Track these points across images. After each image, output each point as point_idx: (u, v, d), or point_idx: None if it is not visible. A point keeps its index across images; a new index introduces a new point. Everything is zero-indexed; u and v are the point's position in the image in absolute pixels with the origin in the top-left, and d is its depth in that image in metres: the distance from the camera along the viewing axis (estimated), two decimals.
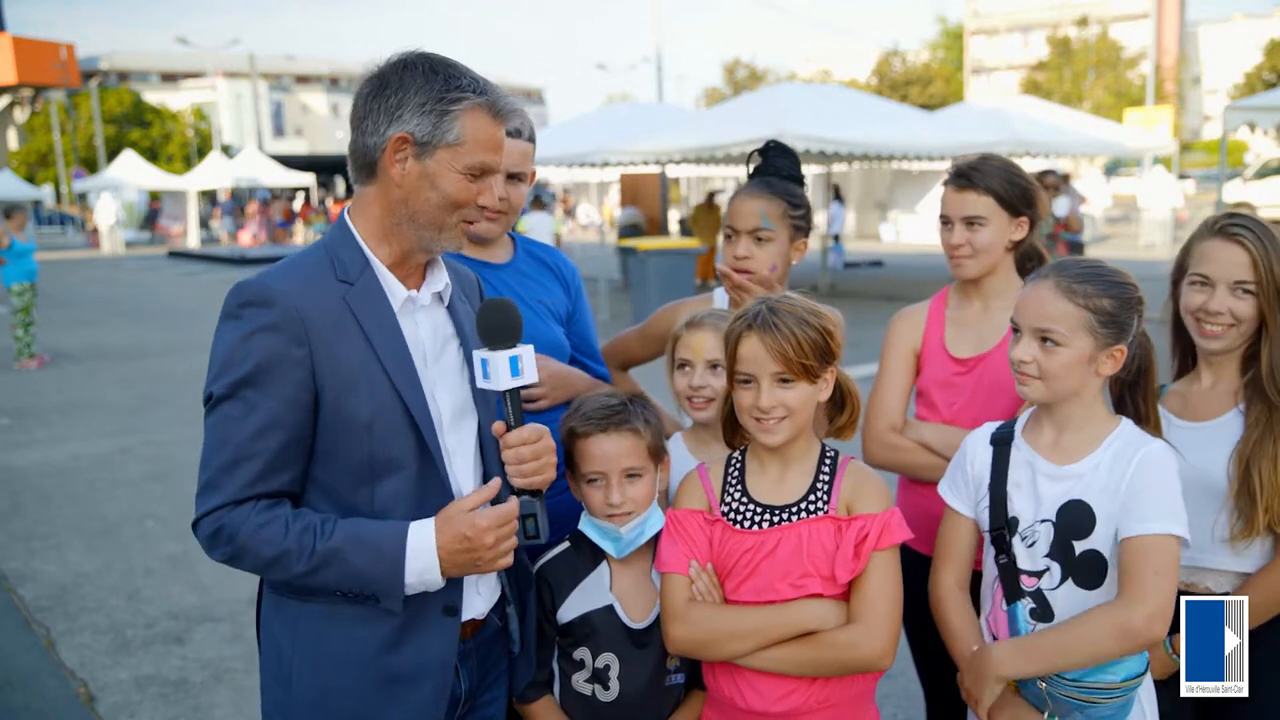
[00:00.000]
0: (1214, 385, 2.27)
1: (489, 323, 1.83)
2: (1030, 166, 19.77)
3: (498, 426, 1.88)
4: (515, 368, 1.84)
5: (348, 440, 1.76)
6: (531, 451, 1.84)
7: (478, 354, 1.86)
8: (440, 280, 1.94)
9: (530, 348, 1.85)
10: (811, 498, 2.01)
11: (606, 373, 2.72)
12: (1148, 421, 2.13)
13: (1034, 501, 2.04)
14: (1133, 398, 2.15)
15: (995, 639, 2.07)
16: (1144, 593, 1.88)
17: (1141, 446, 1.99)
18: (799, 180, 2.61)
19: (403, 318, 1.85)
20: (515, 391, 1.85)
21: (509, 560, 1.83)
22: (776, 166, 2.62)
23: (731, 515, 2.04)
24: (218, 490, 1.71)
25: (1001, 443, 2.12)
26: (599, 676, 2.11)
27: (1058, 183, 10.08)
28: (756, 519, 2.02)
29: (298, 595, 1.81)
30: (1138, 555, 1.91)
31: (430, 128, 1.75)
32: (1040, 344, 1.99)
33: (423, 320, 1.91)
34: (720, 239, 2.57)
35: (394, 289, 1.85)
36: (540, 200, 22.82)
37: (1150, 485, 1.95)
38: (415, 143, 1.75)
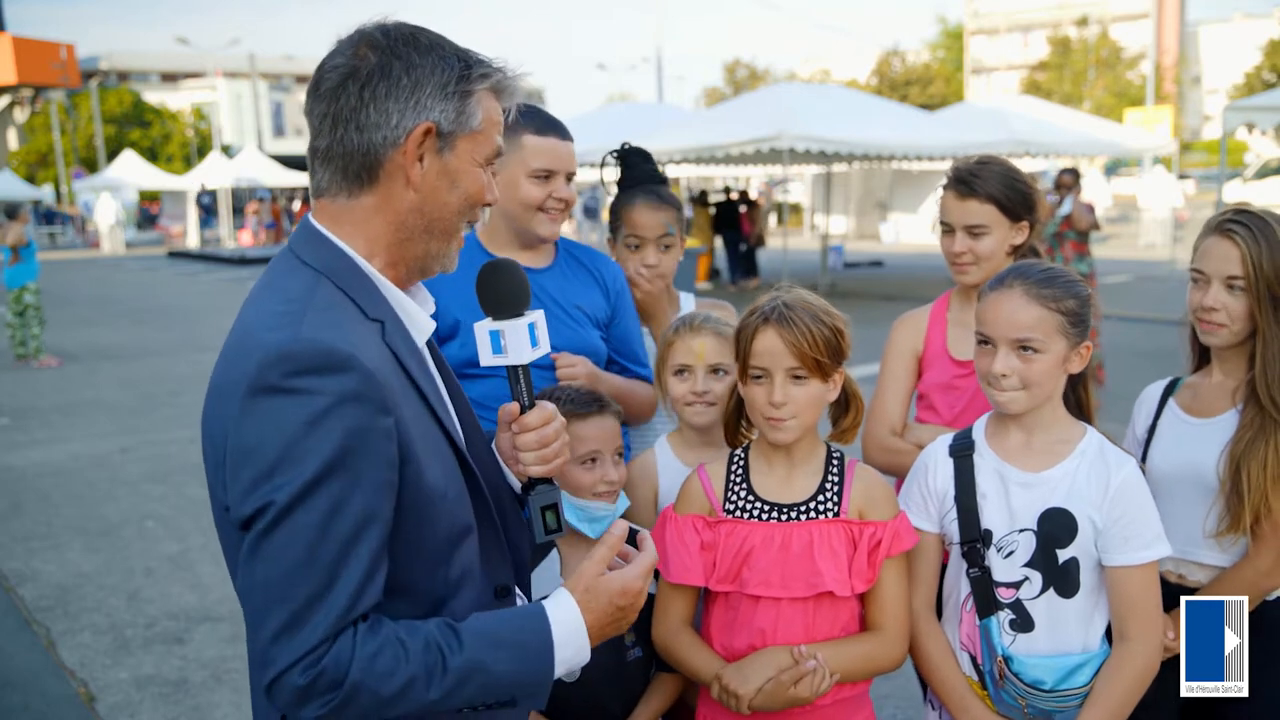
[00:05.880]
0: (1222, 382, 2.28)
1: (497, 289, 1.62)
2: (1030, 167, 19.80)
3: (510, 408, 1.65)
4: (534, 336, 1.62)
5: (429, 517, 1.44)
6: (554, 431, 1.63)
7: (484, 326, 1.62)
8: (429, 301, 1.62)
9: (541, 313, 1.65)
10: (821, 498, 2.02)
11: (648, 374, 2.65)
12: (1086, 409, 2.19)
13: (1007, 511, 2.04)
14: (1073, 387, 2.17)
15: (970, 656, 2.08)
16: (1151, 626, 1.98)
17: (1120, 465, 2.01)
18: (665, 180, 2.89)
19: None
20: (529, 367, 1.64)
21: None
22: (646, 172, 2.87)
23: (738, 513, 2.04)
24: (307, 627, 1.28)
25: (962, 454, 2.11)
26: None
27: (1072, 181, 9.93)
28: (765, 516, 2.02)
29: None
30: (1137, 587, 1.98)
31: (455, 114, 1.44)
32: (1019, 354, 1.98)
33: (427, 354, 1.60)
34: (620, 246, 2.81)
35: (418, 323, 1.54)
36: None
37: (1140, 513, 1.99)
38: (439, 134, 1.44)
